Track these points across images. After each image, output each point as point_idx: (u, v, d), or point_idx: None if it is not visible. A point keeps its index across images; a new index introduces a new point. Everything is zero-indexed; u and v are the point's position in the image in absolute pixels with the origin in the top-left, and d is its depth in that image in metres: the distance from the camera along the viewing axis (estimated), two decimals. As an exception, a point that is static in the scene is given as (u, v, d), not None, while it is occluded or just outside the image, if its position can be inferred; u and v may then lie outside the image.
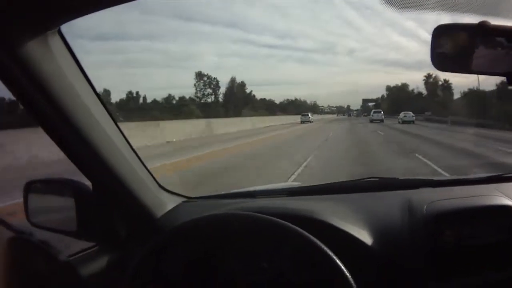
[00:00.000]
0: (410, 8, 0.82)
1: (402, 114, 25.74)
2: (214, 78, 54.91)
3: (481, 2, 0.85)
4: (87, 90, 0.93)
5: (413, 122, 23.91)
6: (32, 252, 1.02)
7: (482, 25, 0.79)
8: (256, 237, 0.91)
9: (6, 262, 0.99)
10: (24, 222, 1.18)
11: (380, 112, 29.70)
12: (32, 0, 0.70)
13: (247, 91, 58.69)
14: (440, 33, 0.77)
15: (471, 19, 0.86)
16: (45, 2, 0.72)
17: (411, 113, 25.28)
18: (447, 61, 0.79)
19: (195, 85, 53.28)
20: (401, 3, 0.79)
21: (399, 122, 24.86)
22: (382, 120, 28.02)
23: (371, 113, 31.45)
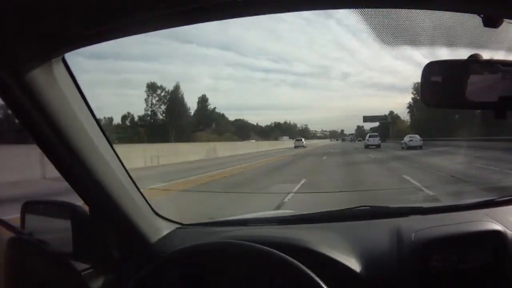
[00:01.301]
0: (401, 45, 0.86)
1: (407, 138, 22.07)
2: (170, 92, 41.83)
3: (472, 36, 0.88)
4: (87, 117, 0.96)
5: (420, 147, 20.25)
6: (32, 252, 1.02)
7: (473, 60, 0.81)
8: (247, 266, 0.92)
9: (6, 262, 0.99)
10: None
11: (377, 137, 27.04)
12: (38, 30, 0.73)
13: (210, 107, 47.10)
14: (431, 69, 0.79)
15: (463, 51, 0.89)
16: (51, 33, 0.75)
17: (418, 137, 21.61)
18: (439, 97, 0.80)
19: (145, 100, 41.25)
20: (393, 41, 0.82)
21: (402, 148, 21.40)
22: (378, 146, 25.43)
23: (366, 137, 28.45)
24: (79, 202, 1.09)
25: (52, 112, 0.86)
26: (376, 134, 28.63)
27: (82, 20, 0.72)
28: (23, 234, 1.11)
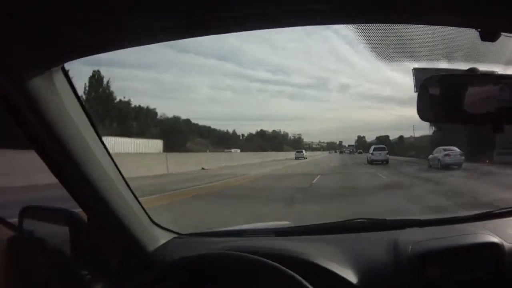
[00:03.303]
0: (400, 59, 0.86)
1: (440, 151, 15.41)
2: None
3: (470, 50, 0.89)
4: (86, 126, 0.96)
5: (459, 166, 14.32)
6: (32, 252, 1.02)
7: (471, 73, 0.82)
8: (245, 277, 0.92)
9: (6, 262, 0.99)
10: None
11: (384, 150, 20.44)
12: (39, 39, 0.74)
13: (109, 89, 29.81)
14: (429, 84, 0.80)
15: (461, 65, 0.89)
16: (51, 42, 0.76)
17: (456, 150, 15.11)
18: (437, 111, 0.81)
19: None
20: (391, 56, 0.82)
21: (430, 167, 15.49)
22: (386, 161, 19.31)
23: (370, 150, 21.39)
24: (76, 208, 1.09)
25: (51, 120, 0.87)
26: (383, 146, 21.47)
27: (83, 31, 0.73)
28: (23, 234, 1.11)
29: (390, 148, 23.31)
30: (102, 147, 1.01)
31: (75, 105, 0.93)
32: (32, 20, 0.68)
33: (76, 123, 0.92)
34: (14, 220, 1.24)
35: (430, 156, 16.48)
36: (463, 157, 14.86)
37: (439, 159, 15.16)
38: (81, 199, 1.04)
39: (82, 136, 0.93)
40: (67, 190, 1.01)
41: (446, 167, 14.22)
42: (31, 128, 0.89)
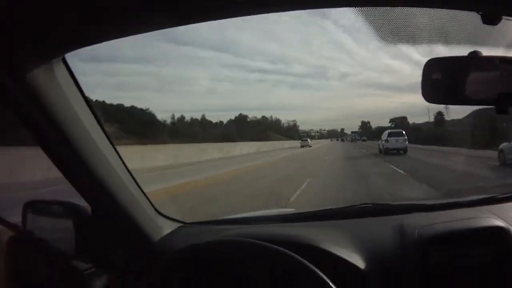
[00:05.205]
0: (400, 43, 0.86)
1: None
2: None
3: (471, 33, 0.88)
4: (88, 116, 0.96)
5: None
6: (33, 252, 1.02)
7: (473, 56, 0.82)
8: (252, 263, 0.92)
9: (6, 262, 1.00)
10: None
11: (401, 135, 15.43)
12: (39, 30, 0.74)
13: None
14: (432, 66, 0.80)
15: (462, 48, 0.89)
16: (51, 33, 0.76)
17: None
18: (440, 94, 0.81)
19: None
20: (391, 39, 0.82)
21: (503, 163, 9.28)
22: (404, 150, 14.99)
23: (384, 136, 16.19)
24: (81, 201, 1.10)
25: (53, 112, 0.86)
26: (401, 131, 16.32)
27: (82, 20, 0.73)
28: (23, 234, 1.11)
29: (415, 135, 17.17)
30: (105, 137, 1.01)
31: (76, 96, 0.92)
32: (30, 11, 0.68)
33: (78, 114, 0.91)
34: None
35: (505, 145, 9.59)
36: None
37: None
38: (84, 191, 1.04)
39: (84, 127, 0.93)
40: (70, 182, 1.00)
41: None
42: (33, 120, 0.89)
